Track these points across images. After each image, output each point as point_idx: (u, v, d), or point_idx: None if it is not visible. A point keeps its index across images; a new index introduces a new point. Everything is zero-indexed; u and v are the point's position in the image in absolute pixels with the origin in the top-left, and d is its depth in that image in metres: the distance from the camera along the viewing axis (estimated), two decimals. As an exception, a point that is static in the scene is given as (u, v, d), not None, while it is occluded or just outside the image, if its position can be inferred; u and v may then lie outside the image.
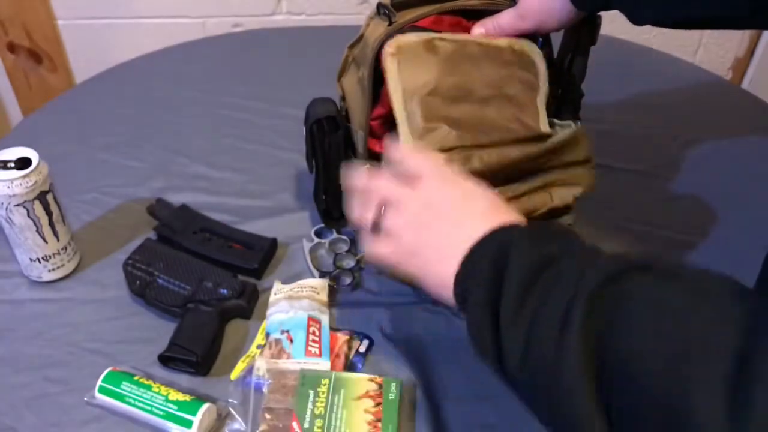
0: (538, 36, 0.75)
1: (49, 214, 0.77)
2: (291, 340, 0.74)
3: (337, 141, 0.78)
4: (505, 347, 0.47)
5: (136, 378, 0.69)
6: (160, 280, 0.79)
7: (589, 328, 0.41)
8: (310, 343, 0.73)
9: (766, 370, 0.34)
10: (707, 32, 1.69)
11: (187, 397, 0.68)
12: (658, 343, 0.39)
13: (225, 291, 0.78)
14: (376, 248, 0.59)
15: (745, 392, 0.34)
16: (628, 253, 0.47)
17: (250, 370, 0.72)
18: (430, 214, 0.56)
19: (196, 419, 0.66)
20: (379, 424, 0.66)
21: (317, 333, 0.75)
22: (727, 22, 0.72)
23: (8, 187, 0.73)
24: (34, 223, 0.77)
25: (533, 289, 0.46)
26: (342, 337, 0.76)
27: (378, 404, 0.68)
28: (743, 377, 0.35)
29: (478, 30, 0.74)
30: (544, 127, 0.71)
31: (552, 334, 0.43)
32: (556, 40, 0.78)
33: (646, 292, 0.42)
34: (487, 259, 0.50)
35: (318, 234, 0.89)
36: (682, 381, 0.37)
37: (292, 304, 0.77)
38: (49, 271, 0.81)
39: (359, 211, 0.60)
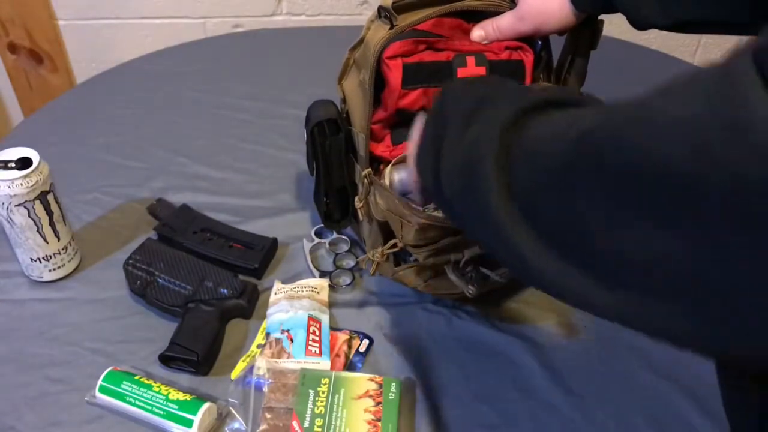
0: (537, 39, 0.76)
1: (49, 214, 0.78)
2: (291, 340, 0.74)
3: (338, 144, 0.78)
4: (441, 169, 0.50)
5: (136, 377, 0.70)
6: (160, 280, 0.79)
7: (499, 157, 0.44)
8: (311, 342, 0.74)
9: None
10: (706, 33, 1.70)
11: (188, 397, 0.68)
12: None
13: (225, 291, 0.78)
14: None
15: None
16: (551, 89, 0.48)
17: (250, 370, 0.72)
18: None
19: (197, 419, 0.66)
20: (379, 424, 0.66)
21: (317, 333, 0.75)
22: (729, 27, 0.72)
23: (9, 187, 0.73)
24: (35, 223, 0.77)
25: (464, 129, 0.49)
26: (342, 337, 0.76)
27: (378, 404, 0.68)
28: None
29: (478, 32, 0.74)
30: None
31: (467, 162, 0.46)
32: (558, 44, 0.78)
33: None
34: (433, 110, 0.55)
35: (318, 234, 0.89)
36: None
37: (293, 303, 0.77)
38: (50, 270, 0.81)
39: None
